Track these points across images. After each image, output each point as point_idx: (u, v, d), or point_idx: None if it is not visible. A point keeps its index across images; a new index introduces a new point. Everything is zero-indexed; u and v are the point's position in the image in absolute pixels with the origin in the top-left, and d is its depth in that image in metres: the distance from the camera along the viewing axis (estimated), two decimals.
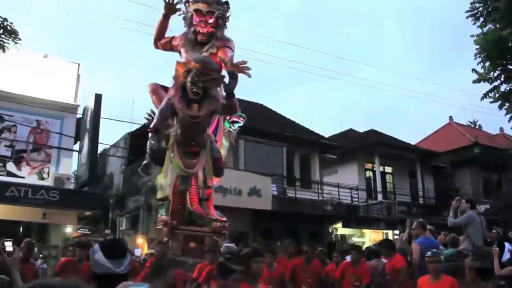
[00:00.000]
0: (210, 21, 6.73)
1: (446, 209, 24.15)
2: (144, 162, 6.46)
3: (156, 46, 7.22)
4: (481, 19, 16.44)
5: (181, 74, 5.68)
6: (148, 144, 5.97)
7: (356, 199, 23.56)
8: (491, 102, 16.68)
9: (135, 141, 18.78)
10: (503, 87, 16.32)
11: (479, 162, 28.13)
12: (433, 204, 27.05)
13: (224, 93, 6.35)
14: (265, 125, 19.63)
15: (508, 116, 16.76)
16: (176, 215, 7.09)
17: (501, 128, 34.18)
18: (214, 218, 7.19)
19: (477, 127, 38.91)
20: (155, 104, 6.58)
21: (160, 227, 7.48)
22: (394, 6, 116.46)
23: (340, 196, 22.52)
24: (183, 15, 7.09)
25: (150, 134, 5.76)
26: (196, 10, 6.80)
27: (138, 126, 18.42)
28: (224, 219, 7.39)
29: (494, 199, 26.97)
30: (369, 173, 26.38)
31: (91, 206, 16.89)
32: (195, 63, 5.63)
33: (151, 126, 5.70)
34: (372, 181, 25.97)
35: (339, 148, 24.38)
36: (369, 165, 26.32)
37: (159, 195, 11.91)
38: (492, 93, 16.44)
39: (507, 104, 16.52)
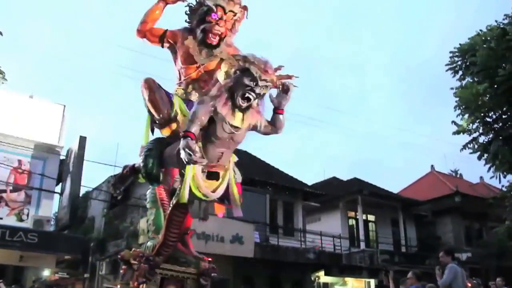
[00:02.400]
0: (229, 22, 5.61)
1: (429, 257, 24.16)
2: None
3: (141, 34, 5.62)
4: (460, 72, 16.98)
5: (231, 72, 4.62)
6: (185, 153, 4.12)
7: (339, 247, 23.47)
8: (470, 153, 17.03)
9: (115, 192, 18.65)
10: (481, 139, 16.71)
11: (460, 210, 28.43)
12: (416, 253, 27.05)
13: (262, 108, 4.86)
14: (249, 173, 19.57)
15: (488, 166, 17.13)
16: (165, 251, 5.39)
17: (481, 177, 34.64)
18: (201, 257, 5.67)
19: (458, 176, 39.41)
20: (151, 104, 5.03)
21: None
22: (378, 57, 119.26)
23: (322, 244, 22.43)
24: (190, 6, 5.73)
25: (186, 139, 4.11)
26: (217, 5, 5.55)
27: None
28: (210, 259, 6.21)
29: (475, 248, 27.10)
30: (352, 221, 26.41)
31: (71, 249, 16.56)
32: (257, 63, 4.43)
33: (186, 129, 4.20)
34: (355, 229, 25.98)
35: (322, 196, 24.48)
36: (352, 213, 26.38)
37: (141, 240, 11.73)
38: (472, 144, 16.83)
39: (486, 155, 16.88)
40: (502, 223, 19.78)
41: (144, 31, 5.56)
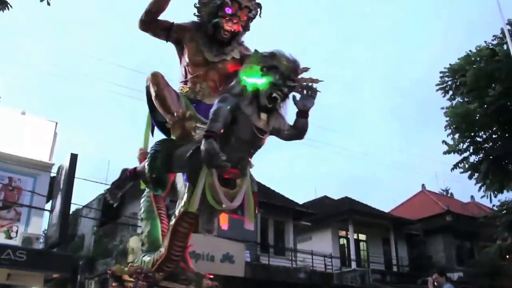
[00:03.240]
0: (243, 18, 5.02)
1: (420, 277, 24.15)
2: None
3: (144, 26, 4.97)
4: (450, 92, 17.20)
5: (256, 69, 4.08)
6: (208, 155, 3.59)
7: (330, 267, 23.37)
8: (461, 172, 17.16)
9: (109, 202, 18.56)
10: (472, 158, 16.87)
11: (451, 230, 28.48)
12: (407, 272, 27.00)
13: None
14: None
15: (478, 185, 17.26)
16: (168, 267, 4.65)
17: (472, 197, 34.79)
18: (202, 274, 5.00)
19: (449, 195, 39.55)
20: (160, 101, 4.46)
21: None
22: (370, 76, 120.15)
23: (314, 263, 22.34)
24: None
25: (210, 140, 3.58)
26: (232, 0, 4.99)
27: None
28: (211, 276, 5.22)
29: (467, 267, 27.11)
30: (343, 241, 26.36)
31: (60, 267, 16.35)
32: (287, 61, 4.02)
33: (209, 129, 3.68)
34: (346, 249, 25.93)
35: (313, 215, 24.43)
36: (343, 233, 26.35)
37: (130, 258, 11.59)
38: (462, 163, 16.97)
39: (476, 174, 17.02)
40: (494, 243, 19.86)
41: (148, 22, 4.95)
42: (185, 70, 4.86)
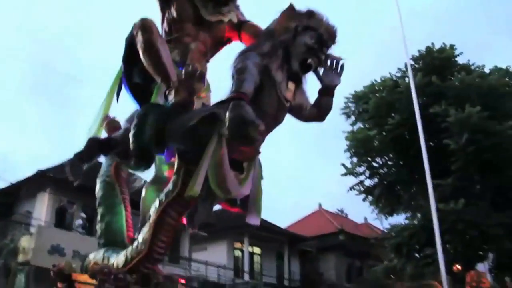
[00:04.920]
0: None
1: None
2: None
3: None
4: (353, 117, 17.89)
5: (288, 27, 3.21)
6: (237, 119, 2.59)
7: (224, 278, 23.30)
8: (356, 195, 17.84)
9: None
10: (367, 182, 17.61)
11: (343, 248, 29.42)
12: (298, 287, 27.49)
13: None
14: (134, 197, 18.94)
15: (372, 207, 18.09)
16: (146, 267, 3.73)
17: (365, 218, 36.17)
18: (175, 279, 4.19)
19: (344, 215, 40.90)
20: (153, 57, 3.38)
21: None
22: None
23: (207, 273, 22.17)
24: None
25: (242, 103, 2.64)
26: None
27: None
28: (184, 281, 4.38)
29: (355, 285, 28.11)
30: (238, 253, 26.39)
31: None
32: (325, 22, 3.24)
33: (237, 89, 2.76)
34: (240, 261, 25.98)
35: (210, 225, 24.23)
36: (238, 245, 26.40)
37: (21, 258, 10.80)
38: (358, 186, 17.68)
39: (370, 197, 17.79)
40: (381, 263, 20.72)
41: None
42: (170, 27, 3.94)
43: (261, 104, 2.96)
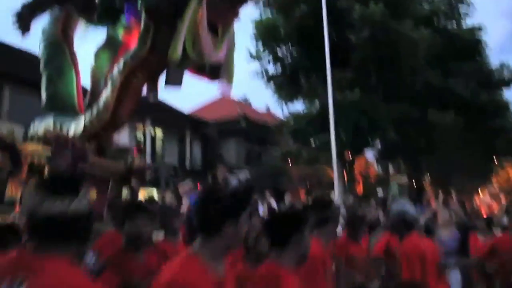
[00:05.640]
0: None
1: (210, 174, 25.60)
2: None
3: None
4: (262, 5, 17.88)
5: None
6: None
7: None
8: (259, 81, 18.39)
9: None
10: (271, 70, 18.07)
11: (244, 134, 30.42)
12: (199, 170, 28.37)
13: None
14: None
15: (274, 95, 18.70)
16: (106, 133, 3.46)
17: (267, 107, 37.43)
18: (125, 148, 4.00)
19: (247, 104, 41.78)
20: None
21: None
22: None
23: None
24: None
25: None
26: None
27: None
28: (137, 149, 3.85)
29: (253, 167, 29.58)
30: (139, 135, 26.42)
31: None
32: None
33: None
34: (142, 143, 26.12)
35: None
36: (141, 127, 26.38)
37: None
38: (262, 74, 18.14)
39: (273, 85, 18.38)
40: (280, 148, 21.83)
41: None
42: None
43: None
